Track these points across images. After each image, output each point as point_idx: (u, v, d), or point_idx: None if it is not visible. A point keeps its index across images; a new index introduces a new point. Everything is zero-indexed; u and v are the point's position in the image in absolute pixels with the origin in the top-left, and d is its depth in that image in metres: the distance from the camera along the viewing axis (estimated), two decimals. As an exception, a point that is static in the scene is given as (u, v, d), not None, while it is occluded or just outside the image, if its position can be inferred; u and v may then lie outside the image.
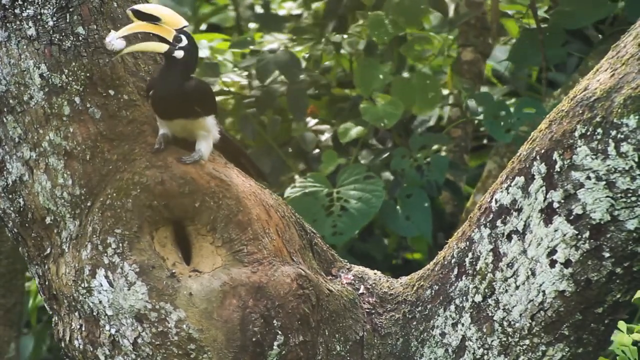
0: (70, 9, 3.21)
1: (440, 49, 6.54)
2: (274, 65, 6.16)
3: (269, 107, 6.31)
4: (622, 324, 3.57)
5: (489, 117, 5.81)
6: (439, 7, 6.23)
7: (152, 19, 3.16)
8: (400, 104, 5.85)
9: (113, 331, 3.17)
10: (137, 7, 3.17)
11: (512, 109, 5.78)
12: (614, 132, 2.92)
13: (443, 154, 6.24)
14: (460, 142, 6.60)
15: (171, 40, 3.15)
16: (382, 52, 6.29)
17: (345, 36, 6.37)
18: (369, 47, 6.32)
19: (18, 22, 3.20)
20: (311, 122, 6.55)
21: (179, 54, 3.17)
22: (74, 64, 3.21)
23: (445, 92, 6.54)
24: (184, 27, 3.18)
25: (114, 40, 3.15)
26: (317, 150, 6.39)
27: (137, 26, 3.16)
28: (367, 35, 6.25)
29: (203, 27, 7.76)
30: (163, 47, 3.15)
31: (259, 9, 6.89)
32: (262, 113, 6.36)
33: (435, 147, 6.13)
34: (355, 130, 5.99)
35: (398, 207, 5.82)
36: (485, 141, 6.91)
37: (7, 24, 3.20)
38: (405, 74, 6.22)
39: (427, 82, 5.96)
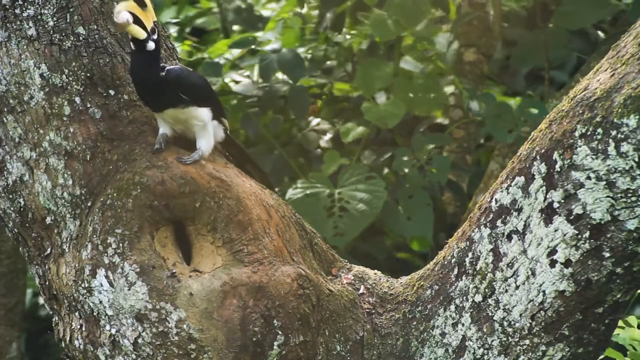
0: (71, 9, 3.21)
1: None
2: (277, 65, 6.15)
3: (271, 107, 6.31)
4: (632, 319, 3.57)
5: (491, 118, 5.81)
6: (441, 5, 6.21)
7: (142, 4, 3.16)
8: (402, 104, 5.84)
9: (113, 331, 3.17)
10: None
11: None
12: (614, 132, 2.91)
13: (445, 154, 6.24)
14: (463, 143, 6.59)
15: (149, 30, 3.15)
16: (384, 52, 6.28)
17: (347, 36, 6.36)
18: (371, 48, 6.31)
19: (18, 22, 3.20)
20: (313, 121, 6.55)
21: (151, 45, 3.16)
22: (74, 64, 3.22)
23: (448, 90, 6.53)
24: (155, 21, 3.19)
25: (124, 13, 3.12)
26: (318, 150, 6.38)
27: (132, 5, 3.14)
28: (368, 35, 6.25)
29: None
30: (143, 34, 3.15)
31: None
32: (264, 113, 6.36)
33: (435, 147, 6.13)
34: (358, 130, 5.99)
35: (400, 207, 5.81)
36: (482, 140, 6.91)
37: (8, 24, 3.20)
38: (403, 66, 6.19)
39: (428, 83, 5.95)
